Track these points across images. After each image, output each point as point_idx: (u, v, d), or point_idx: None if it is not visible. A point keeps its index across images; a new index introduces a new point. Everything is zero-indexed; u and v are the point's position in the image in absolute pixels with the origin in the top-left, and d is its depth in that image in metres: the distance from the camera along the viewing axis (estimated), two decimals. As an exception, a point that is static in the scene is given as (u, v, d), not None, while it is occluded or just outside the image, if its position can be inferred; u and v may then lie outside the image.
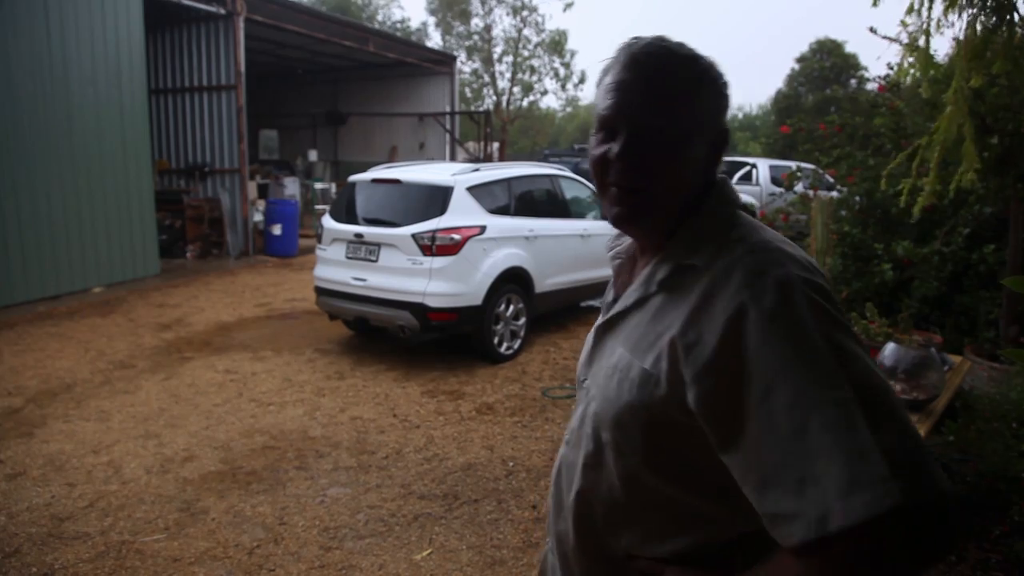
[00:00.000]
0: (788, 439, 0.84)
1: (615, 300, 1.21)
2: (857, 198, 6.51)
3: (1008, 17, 3.73)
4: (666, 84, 1.04)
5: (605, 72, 1.10)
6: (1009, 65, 3.96)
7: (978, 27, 3.91)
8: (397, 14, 42.61)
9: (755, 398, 0.88)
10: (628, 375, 1.05)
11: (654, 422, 1.02)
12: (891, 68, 6.98)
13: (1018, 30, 3.84)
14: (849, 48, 37.40)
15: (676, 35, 1.09)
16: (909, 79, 4.84)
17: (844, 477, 0.80)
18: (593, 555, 1.17)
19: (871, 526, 0.78)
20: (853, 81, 36.03)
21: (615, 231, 1.26)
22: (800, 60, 38.56)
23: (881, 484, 0.78)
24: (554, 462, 1.31)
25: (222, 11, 11.93)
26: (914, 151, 4.56)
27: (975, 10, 3.90)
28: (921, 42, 4.27)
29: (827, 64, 37.11)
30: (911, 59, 4.37)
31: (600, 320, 1.21)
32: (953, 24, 4.15)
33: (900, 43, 5.80)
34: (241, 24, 12.09)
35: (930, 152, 4.28)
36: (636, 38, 1.09)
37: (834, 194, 7.27)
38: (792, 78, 37.78)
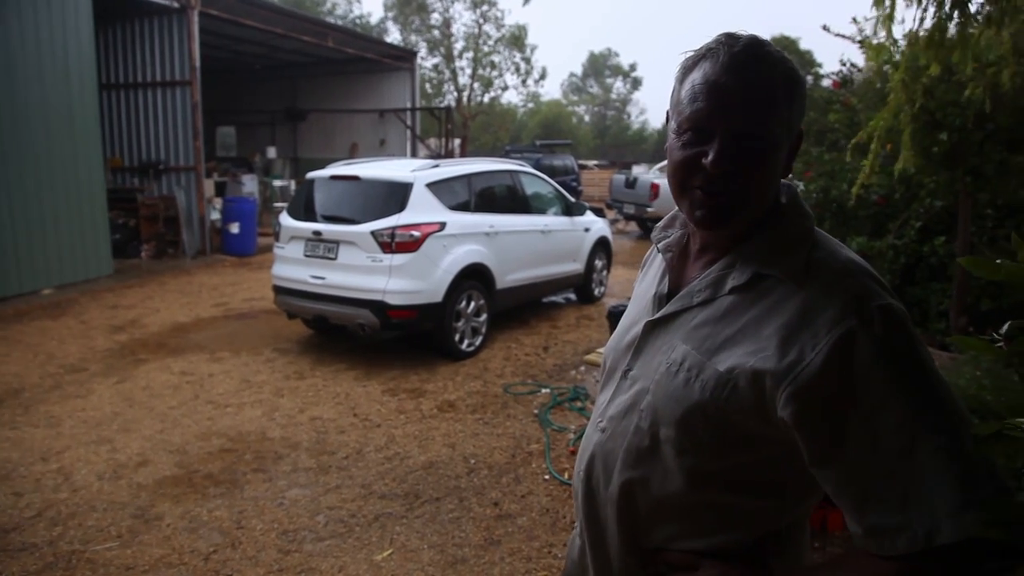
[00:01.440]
0: (894, 459, 0.91)
1: (669, 294, 1.20)
2: (813, 194, 6.60)
3: (963, 9, 3.80)
4: (767, 91, 1.03)
5: (689, 68, 1.09)
6: (967, 56, 4.05)
7: (928, 19, 3.99)
8: (356, 10, 42.19)
9: (861, 418, 0.93)
10: (699, 376, 1.06)
11: (725, 425, 1.04)
12: (843, 64, 7.10)
13: (974, 22, 3.92)
14: (803, 45, 38.03)
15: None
16: (875, 68, 4.93)
17: (956, 498, 0.87)
18: (629, 545, 1.18)
19: (974, 543, 0.86)
20: (809, 78, 36.61)
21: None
22: (757, 56, 39.08)
23: (990, 508, 0.86)
24: (582, 447, 1.29)
25: (175, 4, 11.67)
26: (867, 137, 4.64)
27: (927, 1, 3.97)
28: (882, 35, 4.35)
29: (783, 60, 37.65)
30: (878, 37, 4.44)
31: (656, 313, 1.19)
32: (903, 20, 4.24)
33: (852, 40, 5.89)
34: (195, 18, 11.84)
35: (872, 137, 4.41)
36: (733, 36, 1.07)
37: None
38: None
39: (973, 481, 0.87)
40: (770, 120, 1.03)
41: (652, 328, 1.18)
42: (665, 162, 1.14)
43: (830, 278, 1.01)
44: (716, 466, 1.07)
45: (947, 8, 3.81)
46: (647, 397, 1.13)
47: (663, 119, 1.20)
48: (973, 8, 3.86)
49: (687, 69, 1.09)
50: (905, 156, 4.30)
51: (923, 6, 3.90)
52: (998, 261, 0.96)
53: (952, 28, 3.97)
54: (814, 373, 0.94)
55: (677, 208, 1.23)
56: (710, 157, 1.03)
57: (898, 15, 4.16)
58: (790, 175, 1.12)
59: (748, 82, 1.03)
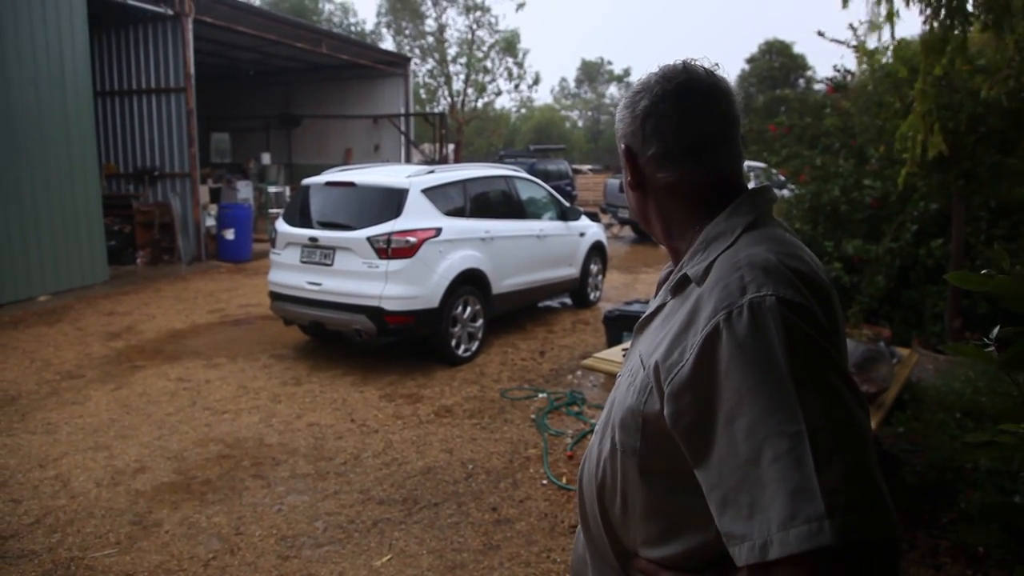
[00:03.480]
0: (744, 465, 0.87)
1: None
2: (808, 196, 6.63)
3: (962, 16, 3.86)
4: (617, 117, 1.23)
5: None
6: (964, 62, 4.13)
7: (935, 24, 4.05)
8: (351, 17, 42.19)
9: (722, 420, 0.90)
10: (635, 380, 1.09)
11: (649, 428, 1.05)
12: (837, 70, 7.16)
13: (971, 28, 3.98)
14: (797, 49, 38.23)
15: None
16: (868, 72, 5.03)
17: (785, 510, 0.82)
18: (612, 545, 1.21)
19: (805, 559, 0.80)
20: (801, 81, 36.80)
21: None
22: (750, 60, 39.28)
23: (816, 522, 0.80)
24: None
25: (170, 12, 11.70)
26: (900, 147, 4.75)
27: (931, 9, 4.03)
28: (872, 38, 4.45)
29: (776, 64, 37.86)
30: (876, 41, 4.54)
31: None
32: (899, 20, 4.31)
33: (847, 45, 5.95)
34: (190, 25, 11.87)
35: (906, 143, 4.51)
36: None
37: (785, 192, 7.40)
38: (743, 79, 38.44)
39: (805, 494, 0.81)
40: (618, 141, 1.22)
41: (635, 334, 1.23)
42: None
43: (719, 274, 1.00)
44: (655, 469, 1.08)
45: (945, 14, 3.87)
46: (614, 403, 1.18)
47: None
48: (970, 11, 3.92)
49: None
50: (933, 150, 4.43)
51: (926, 12, 3.96)
52: (984, 272, 0.95)
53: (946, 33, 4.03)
54: (686, 374, 0.94)
55: None
56: None
57: (882, 19, 4.23)
58: (676, 186, 1.16)
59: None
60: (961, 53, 4.07)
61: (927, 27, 4.17)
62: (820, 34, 6.22)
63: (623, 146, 1.19)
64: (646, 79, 1.17)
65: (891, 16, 4.25)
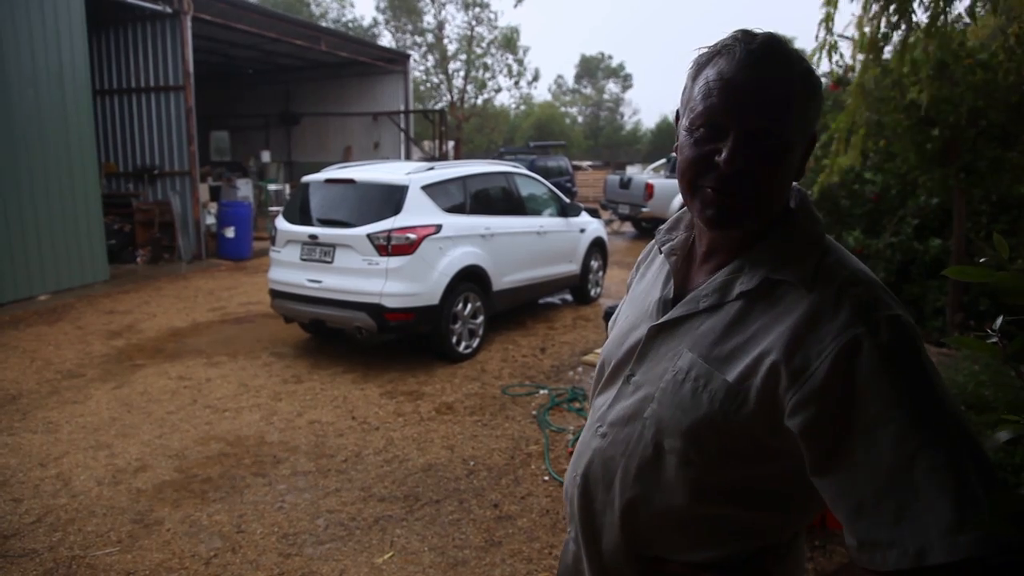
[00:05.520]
0: (892, 472, 0.88)
1: (675, 299, 1.17)
2: (808, 191, 6.63)
3: (907, 17, 3.88)
4: (783, 90, 1.01)
5: (703, 64, 1.07)
6: (906, 65, 4.16)
7: (882, 25, 4.08)
8: (349, 14, 42.17)
9: (862, 428, 0.90)
10: (707, 386, 1.04)
11: (734, 437, 1.02)
12: (839, 65, 7.14)
13: (915, 29, 4.01)
14: (799, 44, 38.17)
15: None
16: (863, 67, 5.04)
17: (951, 517, 0.83)
18: (628, 554, 1.17)
19: (971, 565, 0.82)
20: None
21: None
22: (750, 56, 39.26)
23: (987, 529, 0.82)
24: (578, 451, 1.27)
25: (168, 10, 11.67)
26: (828, 139, 4.91)
27: (878, 7, 4.05)
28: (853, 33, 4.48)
29: (777, 60, 37.84)
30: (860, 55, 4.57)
31: (660, 318, 1.16)
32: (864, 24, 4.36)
33: (851, 39, 5.95)
34: (188, 23, 11.84)
35: (832, 139, 4.67)
36: (750, 33, 1.04)
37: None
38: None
39: (971, 501, 0.84)
40: (785, 119, 1.01)
41: (656, 333, 1.15)
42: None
43: (839, 285, 0.98)
44: (721, 478, 1.05)
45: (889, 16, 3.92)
46: (651, 406, 1.11)
47: (672, 117, 1.18)
48: (964, 5, 3.95)
49: (701, 66, 1.07)
50: (852, 155, 4.52)
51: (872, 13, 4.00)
52: (983, 260, 0.97)
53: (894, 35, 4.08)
54: (819, 381, 0.93)
55: (682, 211, 1.23)
56: (724, 155, 1.01)
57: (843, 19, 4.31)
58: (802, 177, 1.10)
59: (764, 80, 1.01)
60: (901, 56, 4.13)
61: (868, 29, 4.21)
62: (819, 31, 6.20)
63: (814, 132, 1.10)
64: (800, 55, 1.07)
65: (830, 18, 4.30)
